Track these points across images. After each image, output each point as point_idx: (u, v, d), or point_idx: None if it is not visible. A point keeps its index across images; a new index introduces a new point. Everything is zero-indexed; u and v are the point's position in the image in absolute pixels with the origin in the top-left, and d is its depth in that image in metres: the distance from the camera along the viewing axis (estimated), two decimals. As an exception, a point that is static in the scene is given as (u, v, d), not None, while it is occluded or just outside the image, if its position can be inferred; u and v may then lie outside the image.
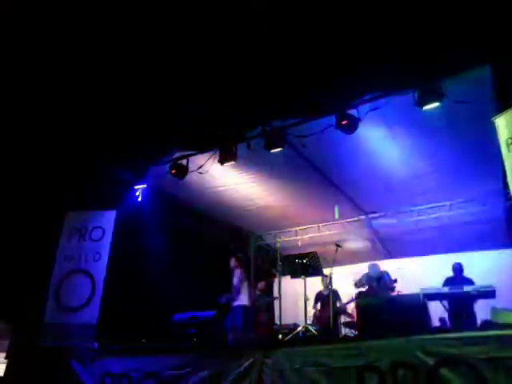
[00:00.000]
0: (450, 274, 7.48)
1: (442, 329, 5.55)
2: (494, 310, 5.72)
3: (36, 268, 7.05)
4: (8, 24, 5.01)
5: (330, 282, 7.68)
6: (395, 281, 7.55)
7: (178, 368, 5.19)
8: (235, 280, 7.53)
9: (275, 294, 8.33)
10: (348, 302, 8.03)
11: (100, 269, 7.01)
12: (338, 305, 7.93)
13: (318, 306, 8.08)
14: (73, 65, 5.78)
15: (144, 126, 6.65)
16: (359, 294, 7.79)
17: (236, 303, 7.41)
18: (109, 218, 7.40)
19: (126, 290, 7.37)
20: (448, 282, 7.21)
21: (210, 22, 5.08)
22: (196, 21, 5.08)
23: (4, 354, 6.73)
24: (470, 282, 6.97)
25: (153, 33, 5.29)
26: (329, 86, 5.66)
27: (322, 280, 8.04)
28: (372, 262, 8.15)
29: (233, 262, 7.76)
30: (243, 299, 7.44)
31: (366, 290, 7.71)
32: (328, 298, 7.45)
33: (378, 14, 4.69)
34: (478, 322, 6.39)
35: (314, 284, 8.20)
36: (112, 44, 5.47)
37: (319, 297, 8.13)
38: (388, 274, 7.68)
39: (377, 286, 7.54)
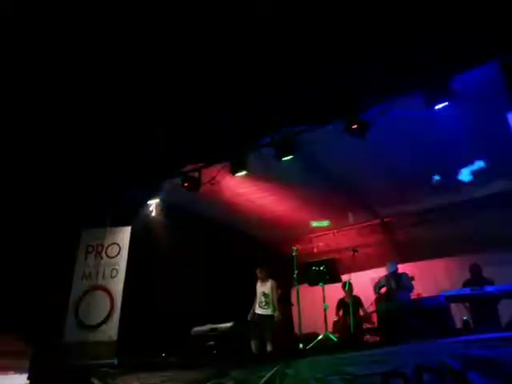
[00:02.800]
0: (469, 275, 7.34)
1: (466, 331, 5.43)
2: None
3: (54, 287, 7.09)
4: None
5: (350, 288, 7.58)
6: (413, 278, 7.41)
7: (199, 382, 5.14)
8: (267, 288, 7.61)
9: (293, 303, 8.26)
10: (373, 312, 7.87)
11: (118, 285, 7.05)
12: (361, 312, 7.79)
13: (341, 313, 7.95)
14: (84, 85, 5.86)
15: (155, 140, 6.70)
16: (379, 297, 7.65)
17: (270, 312, 7.50)
18: (124, 234, 7.46)
19: (144, 304, 7.37)
20: (467, 283, 7.07)
21: (216, 27, 5.09)
22: (201, 26, 5.09)
23: (26, 375, 6.75)
24: (490, 282, 6.82)
25: (157, 40, 5.32)
26: (337, 90, 5.66)
27: (344, 287, 7.89)
28: (390, 261, 8.02)
29: (260, 273, 7.82)
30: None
31: (385, 292, 7.57)
32: (350, 305, 7.35)
33: (384, 15, 4.68)
34: (502, 322, 6.25)
35: (334, 291, 8.09)
36: (117, 55, 5.53)
37: (341, 304, 8.00)
38: (406, 274, 7.54)
39: (395, 285, 7.37)
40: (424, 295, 7.31)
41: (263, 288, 7.60)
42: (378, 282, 7.74)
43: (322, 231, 10.59)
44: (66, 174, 6.96)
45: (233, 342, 5.97)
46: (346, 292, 7.93)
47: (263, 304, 7.46)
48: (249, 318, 7.49)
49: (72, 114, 6.34)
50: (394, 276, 7.48)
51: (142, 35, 5.18)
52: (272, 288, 7.58)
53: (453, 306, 6.00)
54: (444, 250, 9.73)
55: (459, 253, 9.15)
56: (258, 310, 7.42)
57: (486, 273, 7.23)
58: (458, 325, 6.56)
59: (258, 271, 7.79)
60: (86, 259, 7.33)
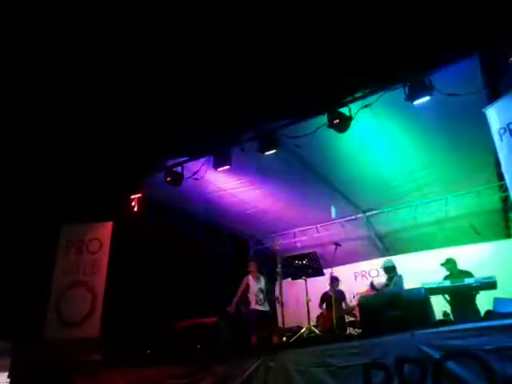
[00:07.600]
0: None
1: (445, 322, 5.53)
2: (497, 300, 5.71)
3: (35, 284, 7.00)
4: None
5: (333, 283, 7.61)
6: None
7: (184, 377, 5.14)
8: (262, 285, 7.53)
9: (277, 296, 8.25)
10: (355, 305, 7.87)
11: (99, 281, 6.98)
12: (343, 306, 7.83)
13: (324, 306, 7.97)
14: (70, 79, 5.79)
15: (137, 135, 6.64)
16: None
17: (267, 308, 7.44)
18: (105, 230, 7.38)
19: (126, 300, 7.33)
20: (447, 278, 7.19)
21: (205, 28, 5.08)
22: (192, 26, 5.08)
23: (6, 374, 6.65)
24: (468, 274, 6.95)
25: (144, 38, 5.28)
26: (318, 85, 5.67)
27: (331, 282, 7.86)
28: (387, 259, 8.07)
29: (254, 267, 7.68)
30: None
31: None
32: (333, 298, 7.39)
33: (363, 11, 4.71)
34: (481, 313, 6.37)
35: (318, 285, 8.12)
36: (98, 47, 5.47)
37: (325, 298, 8.02)
38: (401, 276, 7.61)
39: (389, 284, 7.43)
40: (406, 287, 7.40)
41: (259, 284, 7.49)
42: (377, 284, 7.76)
43: (305, 226, 10.64)
44: (46, 169, 6.87)
45: (216, 337, 5.96)
46: (331, 286, 7.92)
47: (262, 301, 7.39)
48: (230, 311, 7.44)
49: (51, 109, 6.25)
50: (391, 275, 7.55)
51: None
52: (266, 284, 7.55)
53: (434, 298, 6.09)
54: (425, 243, 9.87)
55: (440, 245, 9.28)
56: (257, 307, 7.37)
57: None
58: (439, 316, 6.67)
59: (250, 265, 7.63)
60: (66, 255, 7.24)
